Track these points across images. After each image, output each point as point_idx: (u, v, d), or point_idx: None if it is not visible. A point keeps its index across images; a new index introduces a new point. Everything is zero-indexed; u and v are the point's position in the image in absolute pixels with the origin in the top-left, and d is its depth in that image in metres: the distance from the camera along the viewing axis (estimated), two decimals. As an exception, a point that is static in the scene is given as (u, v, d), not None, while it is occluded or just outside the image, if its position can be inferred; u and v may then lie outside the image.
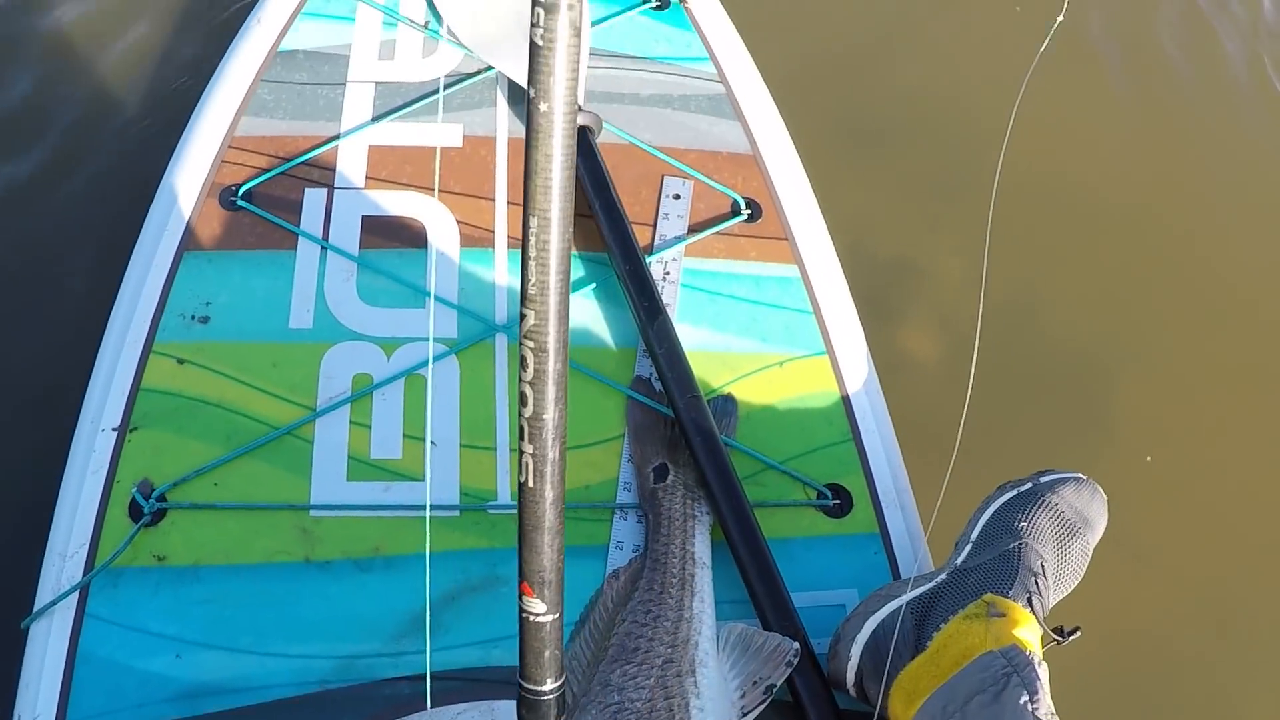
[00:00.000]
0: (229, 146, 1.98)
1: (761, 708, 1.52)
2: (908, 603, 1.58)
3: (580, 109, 1.91)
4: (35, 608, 1.61)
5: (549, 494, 0.88)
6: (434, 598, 1.64)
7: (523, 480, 0.88)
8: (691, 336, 1.84)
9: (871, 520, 1.78)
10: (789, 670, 1.52)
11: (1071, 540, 1.63)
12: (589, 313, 1.88)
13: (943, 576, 1.60)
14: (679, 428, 1.74)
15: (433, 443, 1.74)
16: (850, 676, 1.57)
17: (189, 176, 1.94)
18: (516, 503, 1.63)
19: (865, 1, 3.15)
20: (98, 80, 2.71)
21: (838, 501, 1.77)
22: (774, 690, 1.51)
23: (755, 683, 1.54)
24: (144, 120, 2.62)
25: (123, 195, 2.38)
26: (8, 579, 1.78)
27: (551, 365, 0.83)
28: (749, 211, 1.98)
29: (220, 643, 1.59)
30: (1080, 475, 1.68)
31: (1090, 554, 1.65)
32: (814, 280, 1.95)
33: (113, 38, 2.75)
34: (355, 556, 1.66)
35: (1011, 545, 1.60)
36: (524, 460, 0.86)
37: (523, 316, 0.81)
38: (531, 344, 0.82)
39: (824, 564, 1.73)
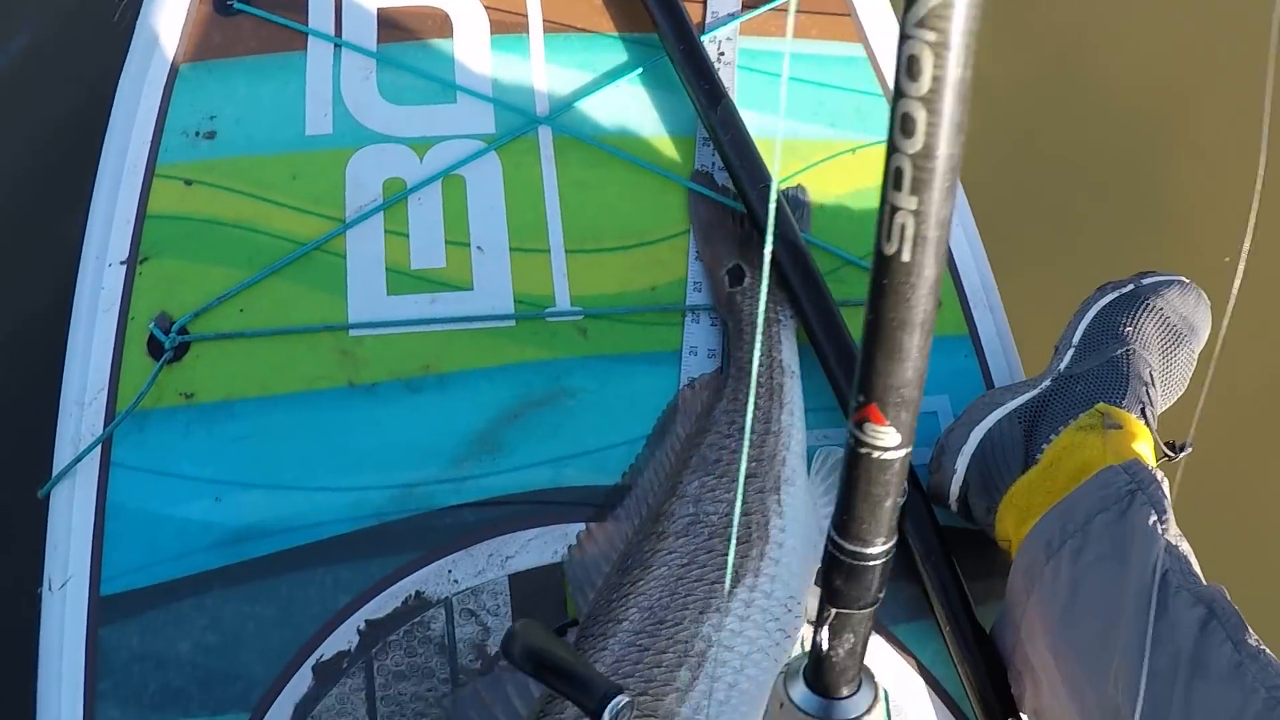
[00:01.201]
0: (218, -56, 1.79)
1: None
2: (1014, 411, 1.48)
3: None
4: (55, 466, 1.48)
5: (929, 273, 0.62)
6: (494, 415, 1.50)
7: (890, 252, 0.61)
8: (753, 123, 1.65)
9: (960, 321, 1.65)
10: None
11: (1178, 348, 1.55)
12: (639, 99, 1.71)
13: (1047, 383, 1.51)
14: (751, 223, 1.58)
15: (479, 248, 1.58)
16: (954, 490, 1.48)
17: (177, -18, 1.74)
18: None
19: None
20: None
21: (924, 298, 1.60)
22: None
23: None
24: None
25: (100, 19, 2.20)
26: (22, 439, 1.64)
27: (953, 72, 0.56)
28: (809, -17, 1.80)
29: (263, 481, 1.46)
30: (1183, 279, 1.60)
31: (1195, 362, 1.58)
32: (882, 60, 1.78)
33: None
34: (404, 377, 1.51)
35: (1119, 351, 1.51)
36: (895, 221, 0.59)
37: None
38: (933, 35, 0.55)
39: (913, 369, 1.58)
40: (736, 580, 1.32)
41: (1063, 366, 1.53)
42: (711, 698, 1.03)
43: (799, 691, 0.87)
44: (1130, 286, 1.59)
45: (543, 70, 1.72)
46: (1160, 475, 1.34)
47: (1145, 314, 1.54)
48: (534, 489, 1.46)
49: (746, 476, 1.40)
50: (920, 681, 1.42)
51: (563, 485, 1.47)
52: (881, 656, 1.42)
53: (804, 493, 1.44)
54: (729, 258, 1.59)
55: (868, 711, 0.88)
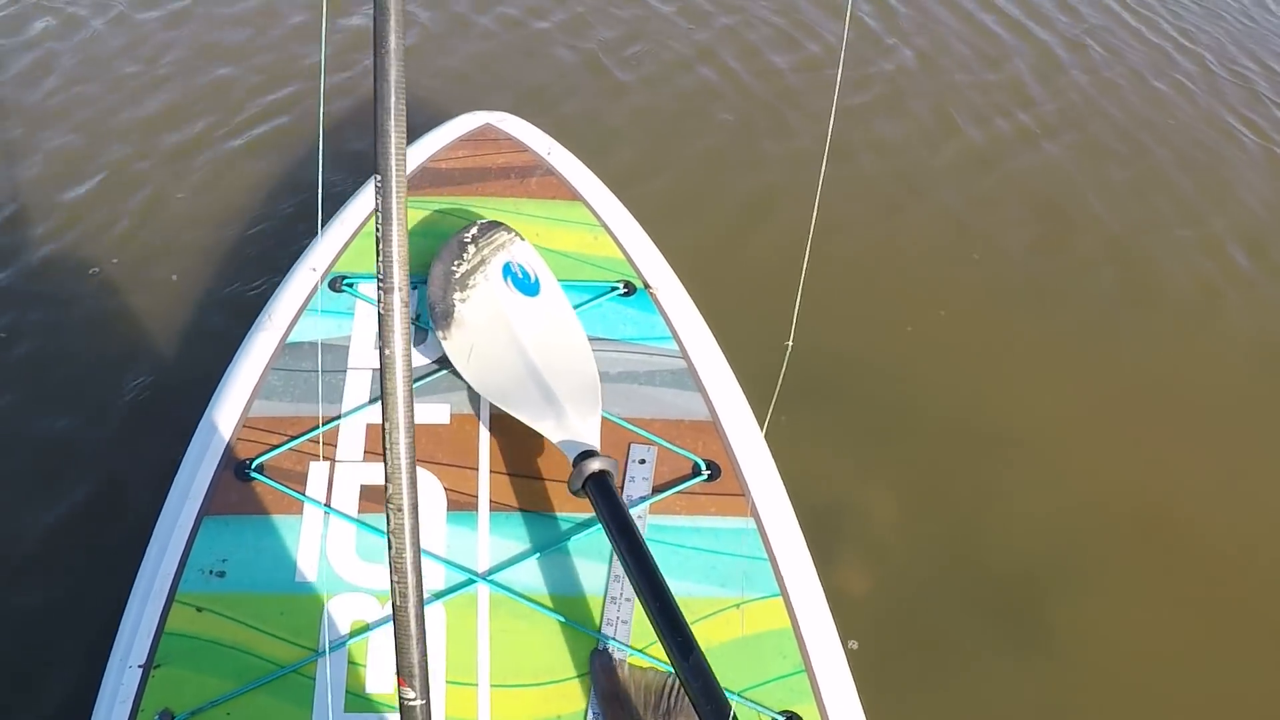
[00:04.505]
0: (243, 426, 2.25)
1: None
2: None
3: (597, 453, 2.13)
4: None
5: (413, 609, 1.33)
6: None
7: (396, 603, 1.34)
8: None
9: None
10: None
11: None
12: (560, 564, 2.11)
13: None
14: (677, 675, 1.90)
15: None
16: None
17: (209, 453, 2.20)
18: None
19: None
20: (121, 371, 3.03)
21: (794, 728, 1.93)
22: None
23: None
24: (166, 401, 2.93)
25: (148, 471, 2.65)
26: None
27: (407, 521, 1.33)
28: (709, 472, 2.24)
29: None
30: None
31: None
32: (769, 530, 2.18)
33: (138, 337, 3.08)
34: (352, 780, 1.85)
35: None
36: (394, 587, 1.30)
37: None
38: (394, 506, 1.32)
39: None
40: None
41: None
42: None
43: None
44: None
45: (486, 539, 2.14)
46: None
47: None
48: None
49: None
50: None
51: None
52: None
53: None
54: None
55: None
